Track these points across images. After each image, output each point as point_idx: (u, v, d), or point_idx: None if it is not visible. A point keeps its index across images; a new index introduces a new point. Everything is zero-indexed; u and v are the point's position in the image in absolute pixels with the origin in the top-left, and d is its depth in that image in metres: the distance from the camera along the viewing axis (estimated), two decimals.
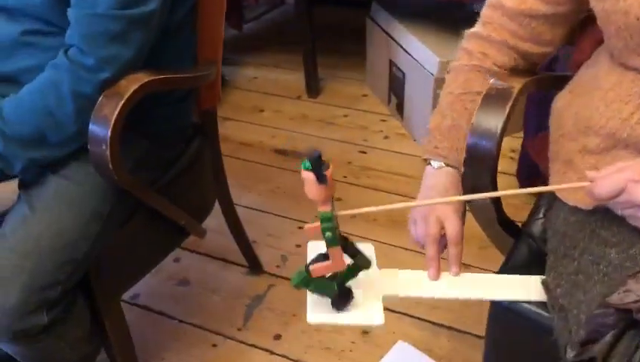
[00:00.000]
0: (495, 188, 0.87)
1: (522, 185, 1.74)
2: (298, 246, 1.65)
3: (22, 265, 0.88)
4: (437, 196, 0.91)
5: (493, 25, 0.93)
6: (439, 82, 1.80)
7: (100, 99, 0.90)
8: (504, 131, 0.82)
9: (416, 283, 0.86)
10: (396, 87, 2.07)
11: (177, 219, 1.10)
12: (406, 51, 1.93)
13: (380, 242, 1.64)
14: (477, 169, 0.83)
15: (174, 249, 1.23)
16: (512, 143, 1.97)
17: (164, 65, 1.01)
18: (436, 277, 0.87)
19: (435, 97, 1.82)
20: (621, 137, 0.78)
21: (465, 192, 0.88)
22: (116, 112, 0.88)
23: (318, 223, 0.82)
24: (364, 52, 2.28)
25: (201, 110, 1.22)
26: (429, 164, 0.95)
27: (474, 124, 0.83)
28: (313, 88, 2.28)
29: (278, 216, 1.75)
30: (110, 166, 0.90)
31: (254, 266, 1.57)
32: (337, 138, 2.07)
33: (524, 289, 0.85)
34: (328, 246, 0.73)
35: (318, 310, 0.80)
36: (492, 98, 0.83)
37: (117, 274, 1.07)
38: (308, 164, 0.69)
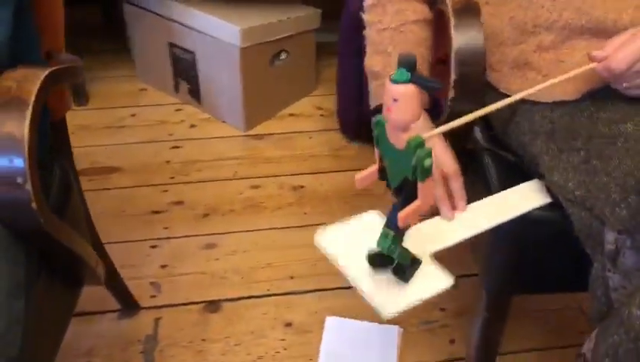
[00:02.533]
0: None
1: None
2: (164, 266, 1.40)
3: None
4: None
5: None
6: (245, 51, 1.70)
7: None
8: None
9: (444, 230, 0.79)
10: (185, 70, 1.88)
11: (91, 260, 0.82)
12: (194, 29, 1.76)
13: (251, 231, 1.50)
14: (468, 90, 0.79)
15: (74, 310, 0.91)
16: (315, 103, 1.99)
17: (16, 58, 0.72)
18: (453, 215, 0.81)
19: (245, 68, 1.72)
20: (578, 25, 0.82)
21: (453, 118, 0.83)
22: (26, 126, 0.60)
23: (371, 169, 0.68)
24: (121, 46, 2.02)
25: (52, 123, 0.92)
26: None
27: (455, 43, 0.78)
28: (81, 95, 1.93)
29: (121, 243, 1.46)
30: (34, 205, 0.61)
31: (129, 306, 1.28)
32: (139, 140, 1.81)
33: (529, 197, 0.85)
34: (422, 179, 0.60)
35: (386, 303, 0.67)
36: (463, 12, 0.79)
37: None
38: (404, 73, 0.55)
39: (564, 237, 0.82)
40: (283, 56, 1.83)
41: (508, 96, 0.88)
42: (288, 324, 1.27)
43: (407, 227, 0.67)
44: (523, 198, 0.85)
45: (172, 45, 1.86)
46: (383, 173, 0.67)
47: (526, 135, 0.88)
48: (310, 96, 2.02)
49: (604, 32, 0.81)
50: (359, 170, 0.66)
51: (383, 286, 0.69)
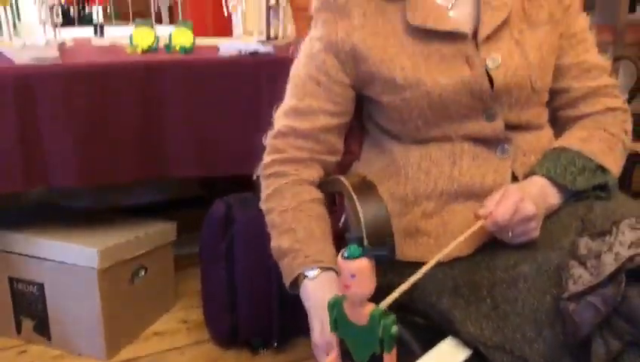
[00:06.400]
0: None
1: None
2: None
3: None
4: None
5: (292, 147, 0.98)
6: (104, 274, 1.61)
7: None
8: None
9: None
10: (29, 306, 1.70)
11: None
12: (41, 259, 1.64)
13: None
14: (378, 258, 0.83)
15: None
16: (179, 317, 1.90)
17: None
18: None
19: (103, 291, 1.62)
20: (452, 191, 0.95)
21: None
22: None
23: (331, 356, 0.66)
24: None
25: None
26: (305, 277, 0.89)
27: (363, 216, 0.84)
28: None
29: None
30: None
31: None
32: None
33: (451, 354, 0.87)
34: (389, 349, 0.59)
35: None
36: (362, 188, 0.86)
37: None
38: (357, 248, 0.57)
39: None
40: (142, 273, 1.76)
41: (405, 263, 0.95)
42: None
43: None
44: (446, 357, 0.88)
45: (13, 280, 1.70)
46: (345, 356, 0.66)
47: (432, 295, 0.93)
48: (171, 311, 1.93)
49: (474, 195, 0.94)
50: None
51: None
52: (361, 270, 0.58)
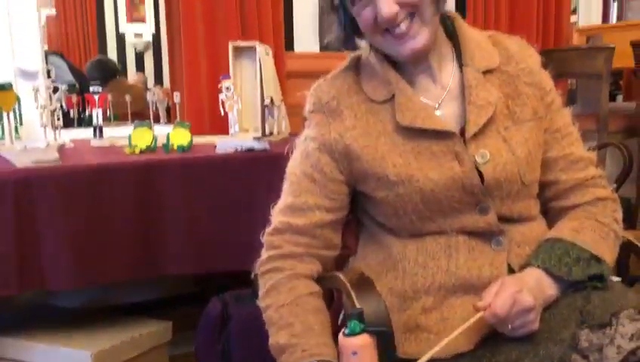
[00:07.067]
0: None
1: None
2: None
3: None
4: None
5: (289, 243, 0.99)
6: None
7: None
8: None
9: None
10: None
11: None
12: None
13: None
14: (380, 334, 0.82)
15: None
16: None
17: None
18: None
19: None
20: (450, 285, 0.95)
21: None
22: None
23: None
24: None
25: None
26: None
27: (362, 311, 0.83)
28: None
29: None
30: None
31: None
32: None
33: None
34: None
35: None
36: (361, 284, 0.86)
37: None
38: (357, 324, 0.55)
39: None
40: None
41: (407, 360, 0.93)
42: None
43: None
44: None
45: None
46: None
47: None
48: None
49: (472, 288, 0.94)
50: None
51: None
52: (363, 346, 0.58)
